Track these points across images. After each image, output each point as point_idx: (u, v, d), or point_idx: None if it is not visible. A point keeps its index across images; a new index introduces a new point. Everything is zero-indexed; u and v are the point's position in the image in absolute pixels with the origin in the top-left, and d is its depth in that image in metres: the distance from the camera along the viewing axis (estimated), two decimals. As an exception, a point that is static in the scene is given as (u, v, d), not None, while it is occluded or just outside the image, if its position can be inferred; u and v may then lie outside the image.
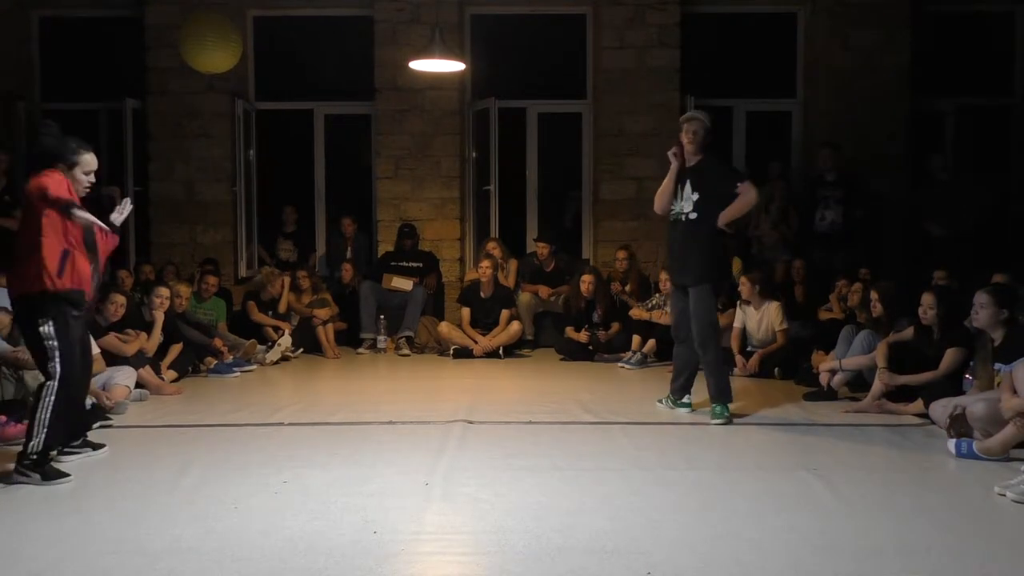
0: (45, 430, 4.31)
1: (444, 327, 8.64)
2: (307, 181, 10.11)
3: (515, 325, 8.51)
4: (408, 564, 3.37)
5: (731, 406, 5.74)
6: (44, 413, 4.31)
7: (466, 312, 8.60)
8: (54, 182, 4.24)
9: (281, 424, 5.66)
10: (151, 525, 3.76)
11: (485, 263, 8.62)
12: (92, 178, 4.53)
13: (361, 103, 9.87)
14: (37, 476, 4.32)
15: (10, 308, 5.50)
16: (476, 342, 8.41)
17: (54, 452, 4.47)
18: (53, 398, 4.31)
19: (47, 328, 4.29)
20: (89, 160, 4.48)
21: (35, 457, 4.32)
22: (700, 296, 5.70)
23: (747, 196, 5.66)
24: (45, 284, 4.25)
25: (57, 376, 4.32)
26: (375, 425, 5.59)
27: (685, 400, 5.99)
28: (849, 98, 9.36)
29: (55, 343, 4.30)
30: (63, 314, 4.32)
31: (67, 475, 4.39)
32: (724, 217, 5.68)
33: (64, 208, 4.17)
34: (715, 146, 9.42)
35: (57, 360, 4.31)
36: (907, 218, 9.05)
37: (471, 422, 5.59)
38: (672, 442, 5.20)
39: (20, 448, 4.42)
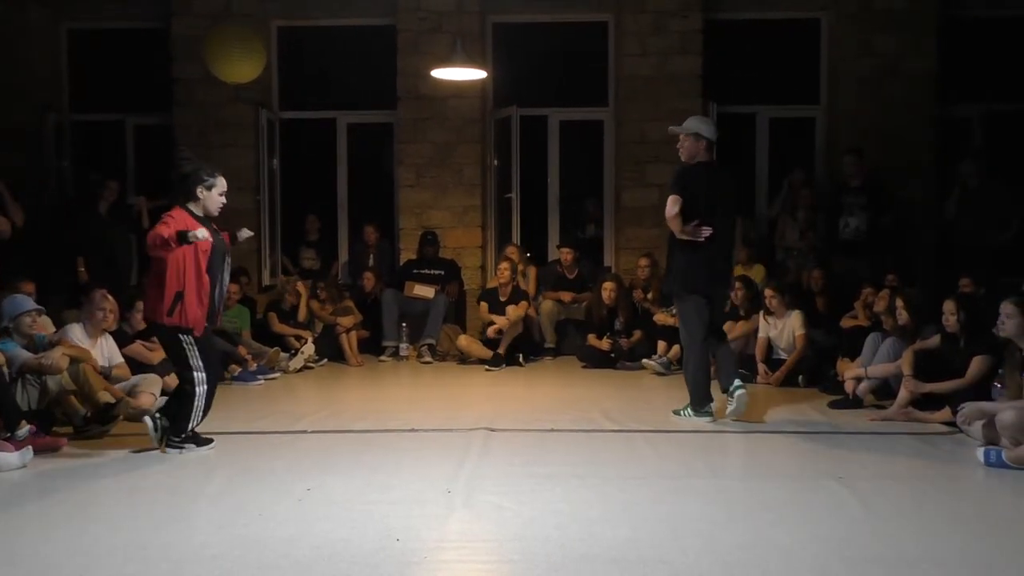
0: (200, 413, 5.11)
1: (464, 340, 8.61)
2: (330, 189, 10.18)
3: (523, 304, 8.50)
4: (430, 572, 3.38)
5: (756, 415, 5.55)
6: (200, 400, 5.07)
7: (484, 305, 8.60)
8: (164, 226, 4.83)
9: (304, 432, 5.68)
10: (175, 532, 3.78)
11: (503, 264, 8.63)
12: (224, 199, 5.16)
13: (383, 112, 9.92)
14: (192, 445, 5.11)
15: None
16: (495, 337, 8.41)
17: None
18: (205, 387, 5.09)
19: (188, 338, 5.02)
20: (223, 182, 5.15)
21: (190, 432, 5.11)
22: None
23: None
24: (157, 317, 5.01)
25: (203, 370, 5.07)
26: (398, 433, 5.61)
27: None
28: (873, 104, 9.28)
29: (195, 350, 5.05)
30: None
31: (212, 440, 5.20)
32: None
33: (180, 239, 4.77)
34: (738, 153, 9.48)
35: (199, 361, 5.06)
36: (934, 225, 8.96)
37: (493, 430, 5.59)
38: (695, 450, 5.17)
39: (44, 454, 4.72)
